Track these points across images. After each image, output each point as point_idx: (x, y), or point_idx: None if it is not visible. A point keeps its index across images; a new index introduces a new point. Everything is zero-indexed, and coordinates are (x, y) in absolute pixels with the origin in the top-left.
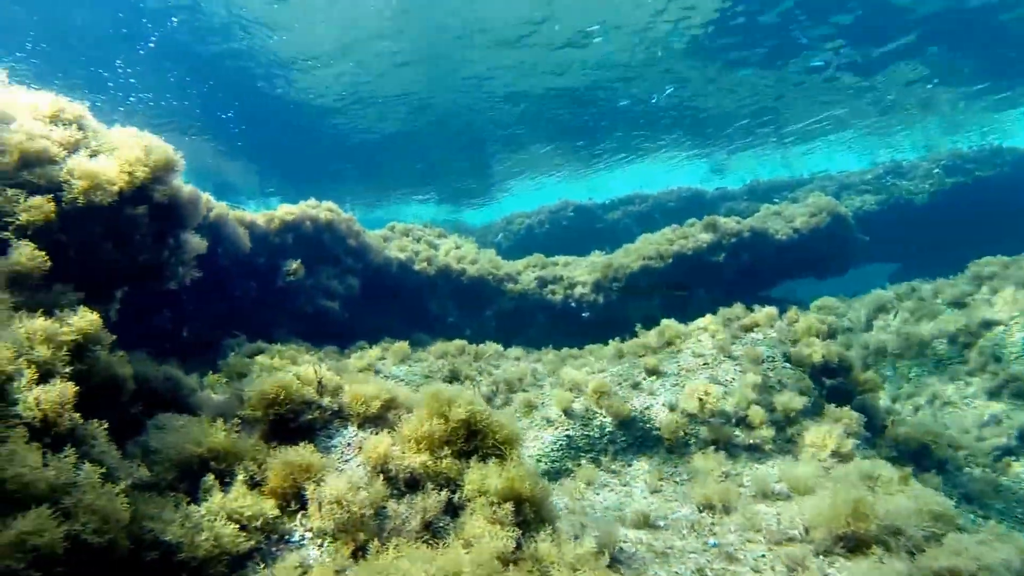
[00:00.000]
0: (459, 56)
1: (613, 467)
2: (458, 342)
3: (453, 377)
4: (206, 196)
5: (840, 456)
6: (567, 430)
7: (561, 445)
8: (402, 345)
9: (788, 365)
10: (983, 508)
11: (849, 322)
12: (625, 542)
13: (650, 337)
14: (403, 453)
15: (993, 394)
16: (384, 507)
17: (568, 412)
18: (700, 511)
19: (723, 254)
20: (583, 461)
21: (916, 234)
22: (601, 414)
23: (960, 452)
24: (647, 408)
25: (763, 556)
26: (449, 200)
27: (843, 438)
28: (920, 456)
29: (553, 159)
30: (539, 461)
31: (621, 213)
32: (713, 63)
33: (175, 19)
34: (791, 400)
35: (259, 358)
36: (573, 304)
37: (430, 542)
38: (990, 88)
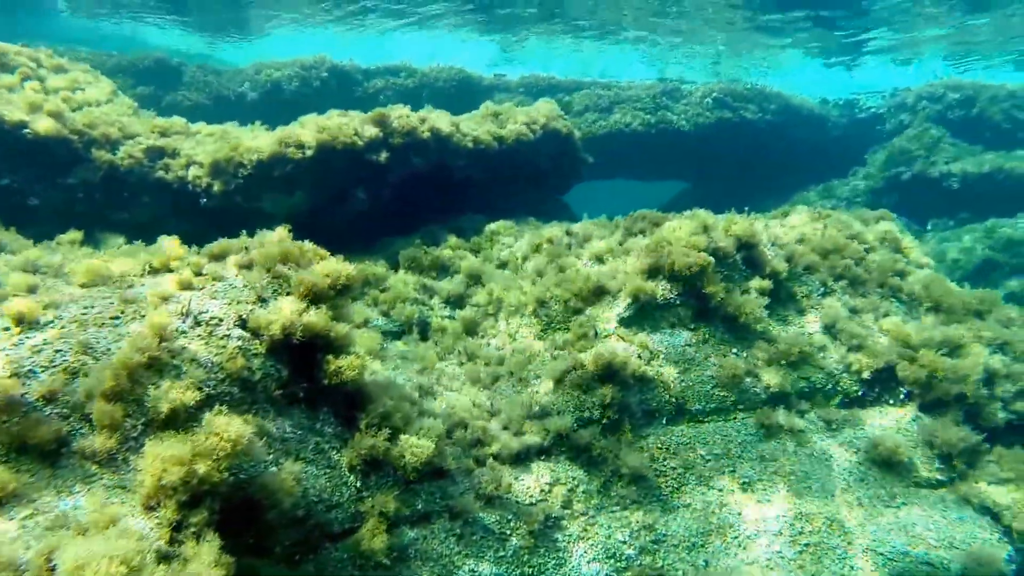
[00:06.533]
0: None
1: None
2: None
3: None
4: None
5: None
6: None
7: None
8: None
9: (240, 333)
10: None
11: (510, 255)
12: None
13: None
14: None
15: (559, 380)
16: None
17: None
18: None
19: (386, 153)
20: None
21: (686, 162)
22: None
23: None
24: None
25: None
26: (202, 29)
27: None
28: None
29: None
30: None
31: (384, 83)
32: None
33: None
34: (170, 391)
35: None
36: (190, 187)
37: None
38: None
